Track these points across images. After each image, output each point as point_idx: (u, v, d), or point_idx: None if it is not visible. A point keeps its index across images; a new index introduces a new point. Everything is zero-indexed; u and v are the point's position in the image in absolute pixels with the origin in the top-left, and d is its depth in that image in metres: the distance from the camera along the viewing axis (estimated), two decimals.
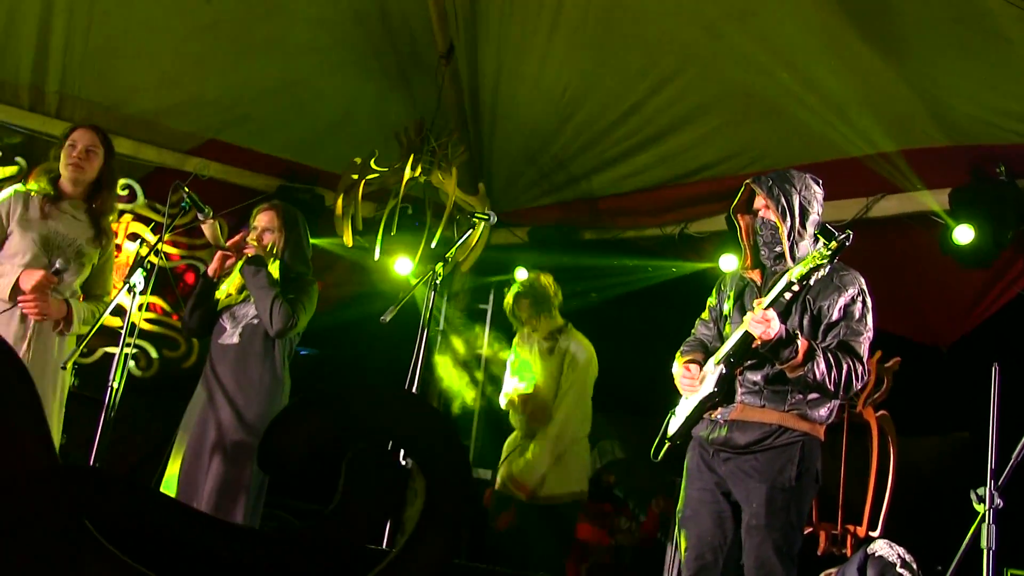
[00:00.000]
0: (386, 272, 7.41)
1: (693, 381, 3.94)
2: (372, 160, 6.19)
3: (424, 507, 1.44)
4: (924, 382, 6.49)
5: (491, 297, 8.07)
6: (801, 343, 3.62)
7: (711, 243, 6.96)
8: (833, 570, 5.06)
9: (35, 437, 1.39)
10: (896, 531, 5.53)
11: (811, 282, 3.74)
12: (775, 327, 3.60)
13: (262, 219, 4.90)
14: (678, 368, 4.02)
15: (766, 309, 3.63)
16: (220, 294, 4.88)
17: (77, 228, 4.54)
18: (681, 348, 4.18)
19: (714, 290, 4.25)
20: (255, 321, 4.70)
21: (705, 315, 4.24)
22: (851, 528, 5.73)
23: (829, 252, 3.56)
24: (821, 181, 3.95)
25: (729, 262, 6.49)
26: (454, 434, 1.51)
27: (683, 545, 3.86)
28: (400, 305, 4.29)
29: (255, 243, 4.80)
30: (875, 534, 5.61)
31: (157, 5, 6.38)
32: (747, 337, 3.73)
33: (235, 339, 4.70)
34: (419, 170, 6.24)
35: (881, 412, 5.88)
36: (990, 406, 3.65)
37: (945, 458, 7.22)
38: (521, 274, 7.48)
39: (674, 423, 4.05)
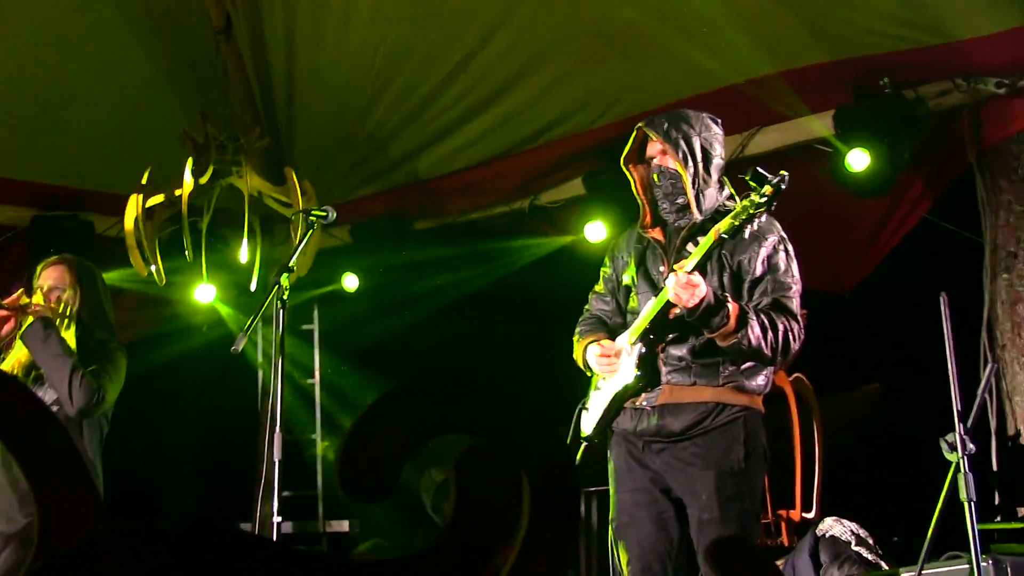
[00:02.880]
0: (184, 303, 7.23)
1: (612, 359, 3.95)
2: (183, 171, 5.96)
3: (532, 503, 1.43)
4: (827, 334, 6.74)
5: (315, 314, 8.01)
6: (732, 307, 3.68)
7: (569, 212, 7.06)
8: (780, 561, 5.21)
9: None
10: (833, 507, 5.73)
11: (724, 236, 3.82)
12: (701, 292, 3.64)
13: (49, 276, 4.67)
14: (593, 349, 4.00)
15: (691, 273, 3.68)
16: None
17: None
18: (577, 329, 4.19)
19: (606, 258, 4.27)
20: (54, 408, 4.49)
21: (599, 287, 4.25)
22: (783, 513, 5.91)
23: (765, 199, 3.63)
24: (720, 120, 4.05)
25: (597, 231, 6.60)
26: (543, 418, 1.50)
27: (623, 559, 3.90)
28: (248, 332, 4.18)
29: (42, 302, 4.58)
30: (811, 515, 5.81)
31: None
32: (665, 307, 3.77)
33: None
34: (207, 176, 6.08)
35: (795, 375, 6.08)
36: (944, 341, 3.85)
37: (861, 415, 7.54)
38: (351, 281, 7.43)
39: (587, 419, 4.06)
